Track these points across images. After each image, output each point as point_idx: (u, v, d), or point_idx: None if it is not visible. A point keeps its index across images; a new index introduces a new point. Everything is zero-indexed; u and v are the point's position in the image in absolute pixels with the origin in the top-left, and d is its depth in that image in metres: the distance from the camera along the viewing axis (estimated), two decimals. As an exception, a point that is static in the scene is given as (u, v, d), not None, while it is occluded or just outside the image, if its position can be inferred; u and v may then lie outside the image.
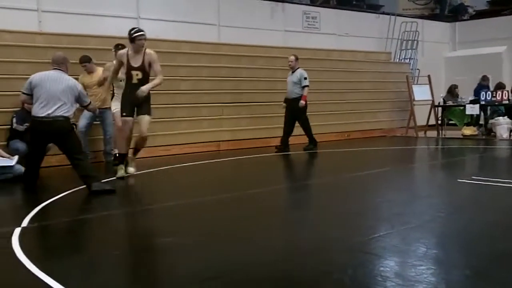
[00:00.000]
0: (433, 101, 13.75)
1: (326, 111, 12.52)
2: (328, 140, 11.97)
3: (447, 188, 6.64)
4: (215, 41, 11.87)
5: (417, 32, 15.23)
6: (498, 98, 12.93)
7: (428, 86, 13.95)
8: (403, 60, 15.25)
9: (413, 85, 13.96)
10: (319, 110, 12.31)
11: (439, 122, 13.84)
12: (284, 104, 10.20)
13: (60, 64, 6.28)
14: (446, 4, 17.32)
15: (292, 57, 10.17)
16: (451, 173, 7.93)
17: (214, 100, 10.75)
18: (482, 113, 13.28)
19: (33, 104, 6.11)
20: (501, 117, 12.74)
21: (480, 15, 16.83)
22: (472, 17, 16.87)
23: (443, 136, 13.34)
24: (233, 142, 10.64)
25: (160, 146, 9.65)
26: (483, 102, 13.06)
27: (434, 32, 16.35)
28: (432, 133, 13.65)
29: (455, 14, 17.02)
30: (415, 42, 15.27)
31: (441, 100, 13.51)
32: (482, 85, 13.65)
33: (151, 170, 7.90)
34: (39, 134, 6.16)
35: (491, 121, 13.08)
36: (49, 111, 6.00)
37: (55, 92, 6.04)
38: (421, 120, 13.71)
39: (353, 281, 3.16)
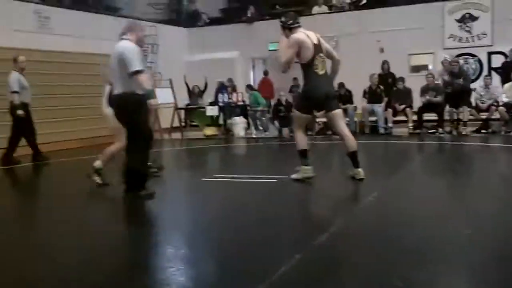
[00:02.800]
0: (175, 104, 14.11)
1: (60, 117, 11.84)
2: (65, 148, 11.36)
3: (193, 187, 6.80)
4: None
5: (156, 36, 15.43)
6: (234, 99, 13.88)
7: (170, 89, 14.25)
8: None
9: (155, 89, 14.10)
10: (52, 117, 11.58)
11: (183, 124, 14.28)
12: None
13: (125, 33, 5.73)
14: (182, 10, 17.95)
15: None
16: (196, 173, 8.19)
17: None
18: (222, 114, 14.11)
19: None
20: (237, 117, 13.72)
21: (215, 22, 17.83)
22: (207, 24, 17.77)
23: (187, 138, 13.78)
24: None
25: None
26: (221, 104, 13.88)
27: (173, 36, 16.76)
28: (177, 135, 14.00)
29: (192, 20, 17.72)
30: (155, 46, 15.46)
31: (184, 103, 13.99)
32: (225, 86, 14.47)
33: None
34: None
35: (229, 121, 13.99)
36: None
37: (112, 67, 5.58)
38: (165, 122, 13.93)
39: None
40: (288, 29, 6.21)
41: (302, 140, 6.37)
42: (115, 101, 5.69)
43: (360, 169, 6.29)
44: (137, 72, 5.34)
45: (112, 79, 5.70)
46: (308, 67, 6.12)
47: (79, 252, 3.89)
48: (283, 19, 6.35)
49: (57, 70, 12.07)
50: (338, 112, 6.38)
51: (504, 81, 12.16)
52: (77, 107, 12.44)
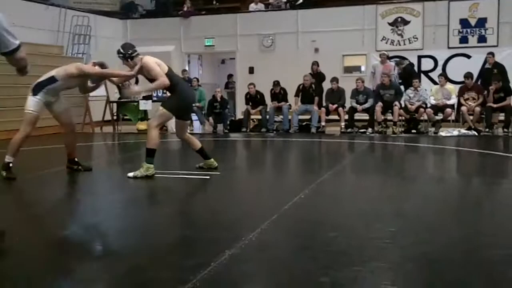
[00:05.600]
0: (108, 97, 13.77)
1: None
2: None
3: (123, 183, 6.65)
4: None
5: (89, 27, 15.02)
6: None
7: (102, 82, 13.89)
8: (76, 54, 14.86)
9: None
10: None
11: (115, 117, 13.97)
12: None
13: None
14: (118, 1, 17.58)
15: None
16: (128, 169, 8.00)
17: None
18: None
19: None
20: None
21: (150, 14, 17.53)
22: (143, 16, 17.45)
23: (119, 132, 13.50)
24: None
25: None
26: (155, 98, 13.66)
27: (107, 28, 16.34)
28: (109, 129, 13.69)
29: (127, 12, 17.35)
30: (88, 36, 15.04)
31: (117, 96, 13.67)
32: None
33: None
34: None
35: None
36: None
37: None
38: (97, 116, 13.60)
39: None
40: (130, 58, 6.51)
41: (157, 138, 6.48)
42: None
43: (211, 159, 6.81)
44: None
45: None
46: (171, 77, 6.40)
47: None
48: (122, 50, 6.59)
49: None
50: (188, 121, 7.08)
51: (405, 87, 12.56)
52: (3, 98, 11.93)
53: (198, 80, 14.43)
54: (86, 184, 6.64)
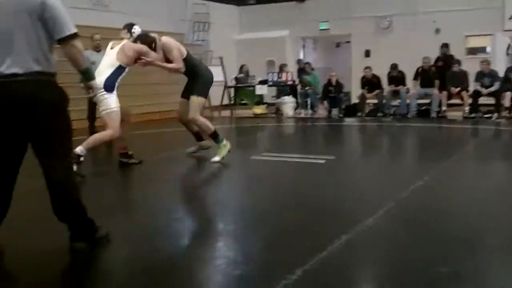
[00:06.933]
0: (225, 82, 14.17)
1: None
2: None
3: (242, 165, 6.84)
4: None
5: (208, 14, 15.49)
6: (283, 79, 13.85)
7: (220, 68, 14.31)
8: (196, 41, 15.41)
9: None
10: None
11: (232, 102, 14.36)
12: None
13: None
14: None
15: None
16: (245, 151, 8.23)
17: None
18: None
19: None
20: (286, 96, 13.69)
21: (265, 0, 17.66)
22: (258, 1, 17.65)
23: (236, 116, 13.85)
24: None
25: None
26: (270, 83, 13.87)
27: (224, 14, 16.77)
28: (226, 113, 14.09)
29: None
30: (207, 24, 15.53)
31: (233, 81, 14.05)
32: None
33: None
34: None
35: (277, 100, 13.98)
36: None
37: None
38: (215, 100, 14.03)
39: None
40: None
41: (208, 122, 6.57)
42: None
43: (205, 140, 6.80)
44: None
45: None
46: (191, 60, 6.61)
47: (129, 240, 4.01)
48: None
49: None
50: None
51: None
52: (133, 84, 12.65)
53: (310, 64, 14.41)
54: (207, 166, 6.90)
